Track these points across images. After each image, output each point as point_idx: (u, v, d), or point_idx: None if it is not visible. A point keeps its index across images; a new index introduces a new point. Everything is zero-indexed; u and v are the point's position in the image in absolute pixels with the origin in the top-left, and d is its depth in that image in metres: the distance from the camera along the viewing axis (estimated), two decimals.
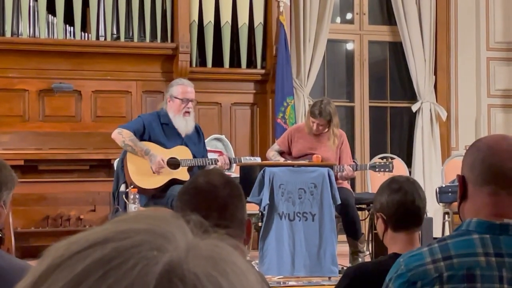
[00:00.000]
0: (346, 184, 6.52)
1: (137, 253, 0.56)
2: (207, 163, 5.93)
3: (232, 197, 2.19)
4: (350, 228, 6.24)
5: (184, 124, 5.92)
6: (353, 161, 6.56)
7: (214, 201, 2.15)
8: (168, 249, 0.57)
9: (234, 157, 6.43)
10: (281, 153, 6.61)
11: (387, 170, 6.38)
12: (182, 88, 5.96)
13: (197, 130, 6.09)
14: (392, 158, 7.11)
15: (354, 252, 6.27)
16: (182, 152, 5.89)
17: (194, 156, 5.92)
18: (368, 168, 6.60)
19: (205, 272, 0.56)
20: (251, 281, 0.59)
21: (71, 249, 0.57)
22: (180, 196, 2.22)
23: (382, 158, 6.65)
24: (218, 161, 5.94)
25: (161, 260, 0.56)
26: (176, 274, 0.56)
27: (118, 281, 0.54)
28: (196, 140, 6.03)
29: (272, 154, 6.61)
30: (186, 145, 5.93)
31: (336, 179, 6.19)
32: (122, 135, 5.79)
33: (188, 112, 5.92)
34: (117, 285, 0.54)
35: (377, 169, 6.45)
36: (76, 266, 0.56)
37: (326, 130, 6.40)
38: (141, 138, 5.84)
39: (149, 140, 5.86)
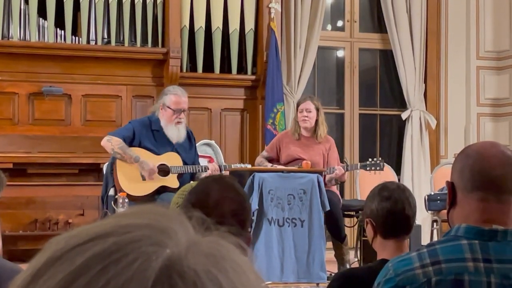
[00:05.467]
0: (335, 189, 6.53)
1: (137, 248, 0.56)
2: (198, 171, 5.92)
3: (249, 206, 2.31)
4: (332, 226, 6.19)
5: (176, 134, 5.87)
6: (343, 162, 6.55)
7: (241, 215, 2.25)
8: (169, 244, 0.57)
9: (224, 164, 6.41)
10: (270, 160, 6.61)
11: (378, 168, 6.37)
12: (175, 98, 5.86)
13: (189, 135, 6.05)
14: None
15: (339, 256, 6.26)
16: (172, 159, 5.86)
17: (185, 163, 5.89)
18: (359, 167, 6.56)
19: (205, 269, 0.56)
20: (251, 279, 0.59)
21: (72, 242, 0.58)
22: (196, 203, 2.23)
23: (371, 159, 6.58)
24: (208, 168, 5.93)
25: (161, 255, 0.56)
26: (176, 270, 0.56)
27: (117, 275, 0.55)
28: (187, 146, 5.99)
29: (260, 160, 6.62)
30: (177, 152, 5.90)
31: (325, 184, 6.19)
32: (111, 143, 5.75)
33: (180, 122, 5.88)
34: (116, 279, 0.54)
35: (368, 168, 6.43)
36: (75, 259, 0.56)
37: (314, 124, 6.44)
38: (131, 145, 5.80)
39: (139, 146, 5.83)
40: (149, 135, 5.85)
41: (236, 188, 2.32)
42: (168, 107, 5.82)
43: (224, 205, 2.20)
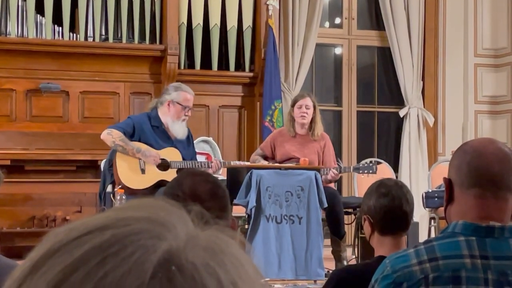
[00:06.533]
0: (333, 186, 6.54)
1: (136, 241, 0.56)
2: (197, 166, 5.93)
3: (224, 187, 2.29)
4: (333, 222, 6.19)
5: (182, 131, 5.92)
6: (337, 164, 6.55)
7: (219, 195, 2.24)
8: (167, 238, 0.57)
9: (224, 161, 6.41)
10: (265, 158, 6.60)
11: (370, 171, 6.38)
12: (186, 95, 5.94)
13: (187, 133, 6.07)
14: (378, 163, 7.12)
15: (336, 253, 6.27)
16: (172, 154, 5.87)
17: (184, 159, 5.91)
18: (352, 170, 6.58)
19: (203, 263, 0.56)
20: (250, 273, 0.59)
21: (70, 234, 0.58)
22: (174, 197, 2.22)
23: (365, 162, 6.61)
24: (207, 164, 5.95)
25: (159, 248, 0.56)
26: (174, 264, 0.56)
27: (115, 268, 0.55)
28: (185, 143, 6.02)
29: (256, 158, 6.60)
30: (176, 148, 5.92)
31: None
32: (112, 136, 5.75)
33: (185, 119, 5.92)
34: (114, 272, 0.54)
35: (360, 171, 6.44)
36: (74, 252, 0.56)
37: (311, 120, 6.44)
38: (131, 140, 5.81)
39: (139, 141, 5.84)
40: (149, 131, 5.86)
41: (206, 173, 2.35)
42: (178, 103, 5.87)
43: (199, 188, 2.21)
